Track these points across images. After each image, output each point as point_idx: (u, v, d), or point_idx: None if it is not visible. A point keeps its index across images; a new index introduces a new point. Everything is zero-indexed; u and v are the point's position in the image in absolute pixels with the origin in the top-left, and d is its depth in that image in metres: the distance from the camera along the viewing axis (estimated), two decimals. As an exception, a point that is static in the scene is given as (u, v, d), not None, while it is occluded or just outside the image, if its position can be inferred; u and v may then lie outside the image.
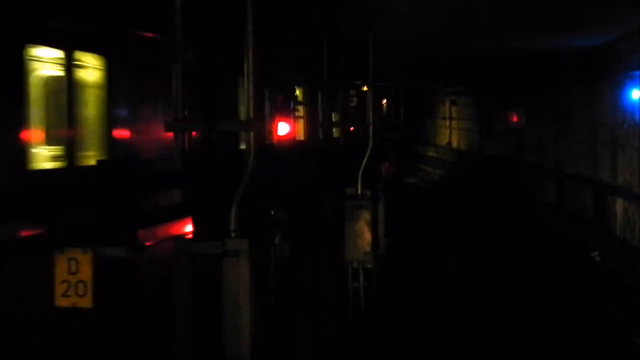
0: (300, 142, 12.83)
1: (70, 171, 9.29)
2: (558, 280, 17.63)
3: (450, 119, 41.65)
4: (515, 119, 30.71)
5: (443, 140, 43.25)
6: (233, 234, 6.89)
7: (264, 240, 8.36)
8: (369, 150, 11.98)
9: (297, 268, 10.08)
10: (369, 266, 12.05)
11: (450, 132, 41.84)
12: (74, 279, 5.73)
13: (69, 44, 9.24)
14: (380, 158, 16.61)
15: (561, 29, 18.02)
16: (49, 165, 9.39)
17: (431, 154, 45.32)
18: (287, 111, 12.12)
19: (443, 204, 31.06)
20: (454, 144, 41.19)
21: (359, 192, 11.97)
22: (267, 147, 9.99)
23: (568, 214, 23.35)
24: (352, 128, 15.12)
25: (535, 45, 20.99)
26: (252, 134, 6.96)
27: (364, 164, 11.92)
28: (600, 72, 20.70)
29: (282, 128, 11.42)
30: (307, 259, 10.67)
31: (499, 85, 32.42)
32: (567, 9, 15.21)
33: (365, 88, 35.93)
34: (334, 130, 13.74)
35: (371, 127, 11.99)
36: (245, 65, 5.90)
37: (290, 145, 11.54)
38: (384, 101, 37.75)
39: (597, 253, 19.67)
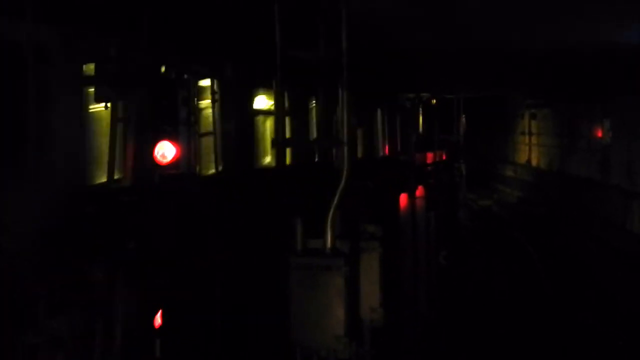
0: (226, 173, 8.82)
1: None
2: None
3: (530, 134, 36.97)
4: (599, 133, 25.98)
5: (522, 157, 38.53)
6: None
7: None
8: (342, 182, 7.92)
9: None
10: (344, 357, 8.03)
11: (530, 148, 37.13)
12: None
13: None
14: (400, 184, 12.52)
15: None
16: None
17: (509, 173, 40.55)
18: (168, 117, 7.94)
19: (517, 237, 26.68)
20: (534, 162, 36.47)
21: (328, 245, 7.96)
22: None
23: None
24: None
25: (620, 39, 16.56)
26: None
27: (334, 204, 7.86)
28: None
29: (166, 150, 7.41)
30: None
31: (582, 94, 27.76)
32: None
33: (434, 101, 31.78)
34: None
35: (345, 148, 7.92)
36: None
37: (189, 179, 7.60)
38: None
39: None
